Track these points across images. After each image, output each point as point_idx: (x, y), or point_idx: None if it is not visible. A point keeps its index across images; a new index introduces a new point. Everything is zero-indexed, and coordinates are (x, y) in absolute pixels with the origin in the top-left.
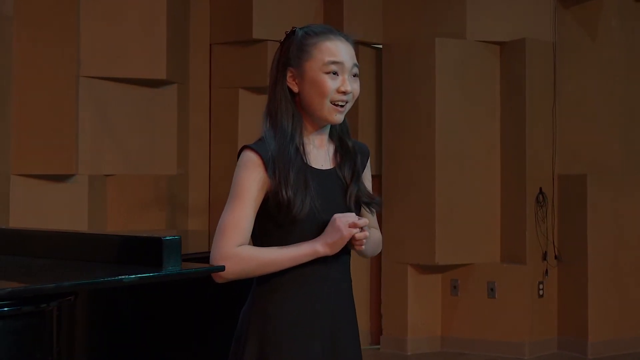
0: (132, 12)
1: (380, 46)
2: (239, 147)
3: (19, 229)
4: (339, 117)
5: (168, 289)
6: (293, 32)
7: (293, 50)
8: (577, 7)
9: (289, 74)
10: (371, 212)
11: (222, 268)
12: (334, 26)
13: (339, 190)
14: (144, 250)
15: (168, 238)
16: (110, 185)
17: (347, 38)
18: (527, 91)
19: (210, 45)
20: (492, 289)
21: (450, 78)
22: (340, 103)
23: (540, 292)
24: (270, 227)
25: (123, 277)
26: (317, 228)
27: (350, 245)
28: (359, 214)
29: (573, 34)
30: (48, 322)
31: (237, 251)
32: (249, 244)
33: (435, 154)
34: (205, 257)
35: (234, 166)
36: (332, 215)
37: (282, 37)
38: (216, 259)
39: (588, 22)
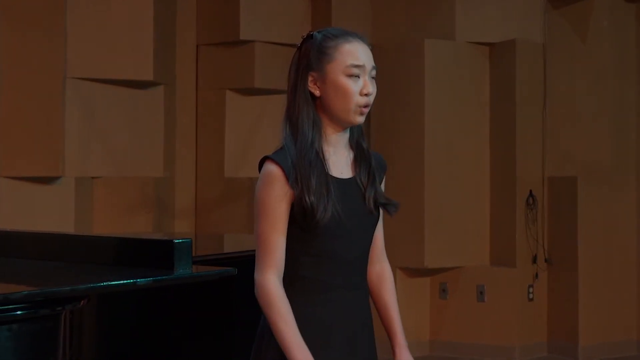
0: (118, 13)
1: (369, 47)
2: (226, 146)
3: (21, 232)
4: (361, 119)
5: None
6: (310, 36)
7: (313, 54)
8: (568, 8)
9: (310, 79)
10: (389, 213)
11: (233, 271)
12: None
13: (359, 196)
14: (154, 252)
15: (179, 240)
16: (96, 187)
17: (363, 40)
18: (517, 92)
19: (197, 46)
20: (481, 292)
21: (439, 79)
22: (364, 106)
23: (530, 296)
24: (295, 231)
25: (137, 280)
26: (339, 233)
27: None
28: (378, 216)
29: (563, 35)
30: (62, 325)
31: (270, 290)
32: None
33: (424, 156)
34: (202, 260)
35: (222, 168)
36: (354, 220)
37: (269, 38)
38: (257, 281)
39: (578, 23)
